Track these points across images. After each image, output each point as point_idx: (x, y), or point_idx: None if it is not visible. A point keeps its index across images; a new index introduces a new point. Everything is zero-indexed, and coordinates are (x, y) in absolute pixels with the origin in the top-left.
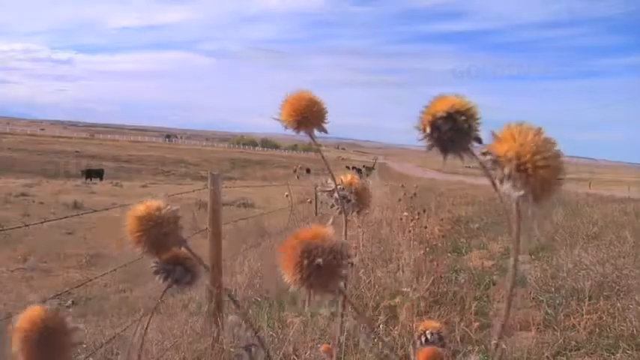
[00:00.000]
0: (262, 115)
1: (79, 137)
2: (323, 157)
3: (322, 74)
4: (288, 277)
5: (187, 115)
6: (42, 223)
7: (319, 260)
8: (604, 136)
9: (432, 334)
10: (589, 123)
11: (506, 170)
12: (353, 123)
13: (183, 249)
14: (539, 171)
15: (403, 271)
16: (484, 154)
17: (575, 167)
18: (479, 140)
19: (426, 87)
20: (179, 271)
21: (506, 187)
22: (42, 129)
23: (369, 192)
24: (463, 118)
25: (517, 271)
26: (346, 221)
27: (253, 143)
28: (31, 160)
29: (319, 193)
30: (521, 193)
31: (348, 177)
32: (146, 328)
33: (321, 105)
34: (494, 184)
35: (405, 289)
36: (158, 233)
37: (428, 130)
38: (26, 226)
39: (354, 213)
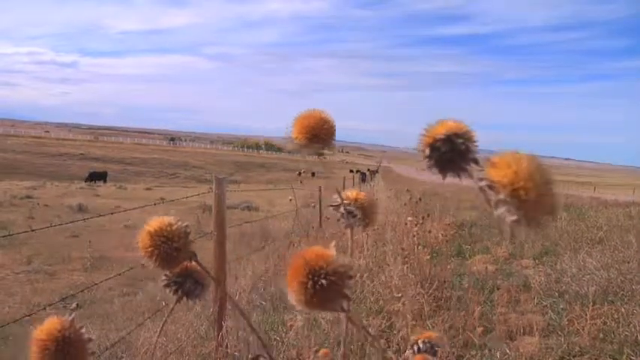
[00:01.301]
0: (266, 118)
1: (84, 140)
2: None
3: (325, 77)
4: (293, 297)
5: (191, 118)
6: (48, 227)
7: (323, 282)
8: (608, 140)
9: (423, 343)
10: (593, 126)
11: (501, 196)
12: (357, 126)
13: (193, 262)
14: (531, 197)
15: (403, 275)
16: (480, 179)
17: (579, 171)
18: (476, 161)
19: (429, 90)
20: (190, 283)
21: (500, 211)
22: (46, 131)
23: (375, 207)
24: (461, 140)
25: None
26: (352, 235)
27: (257, 146)
28: (35, 163)
29: (327, 207)
30: (515, 217)
31: (353, 192)
32: (158, 335)
33: (331, 122)
34: (490, 206)
35: (401, 295)
36: (169, 248)
37: (428, 151)
38: (33, 230)
39: (360, 227)
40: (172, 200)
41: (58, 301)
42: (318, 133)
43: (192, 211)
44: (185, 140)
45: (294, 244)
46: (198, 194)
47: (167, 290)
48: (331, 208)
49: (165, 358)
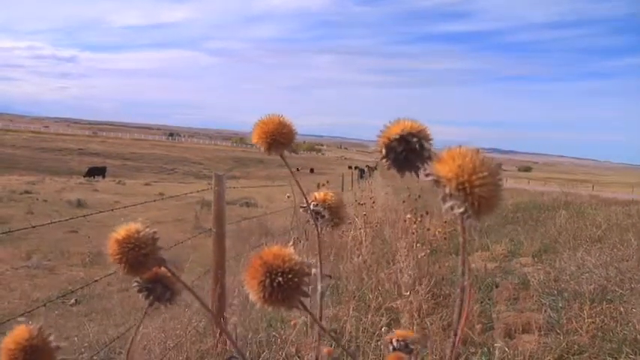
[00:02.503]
0: (265, 114)
1: (83, 135)
2: (293, 174)
3: (326, 73)
4: (253, 294)
5: (191, 114)
6: (49, 224)
7: (279, 279)
8: (608, 138)
9: (397, 341)
10: (593, 124)
11: (447, 190)
12: (356, 122)
13: (163, 268)
14: (476, 189)
15: (402, 273)
16: (427, 174)
17: (578, 168)
18: (430, 159)
19: (429, 87)
20: (159, 288)
21: (448, 204)
22: (45, 126)
23: (344, 208)
24: (415, 139)
25: (466, 278)
26: (319, 235)
27: None
28: (34, 158)
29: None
30: (462, 210)
31: (322, 194)
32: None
33: (290, 127)
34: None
35: (406, 294)
36: (137, 255)
37: (384, 151)
38: (33, 227)
39: (329, 228)
40: (172, 196)
41: (57, 298)
42: (278, 138)
43: (190, 206)
44: (184, 136)
45: (299, 240)
46: (198, 191)
47: (140, 295)
48: (301, 209)
49: (164, 354)
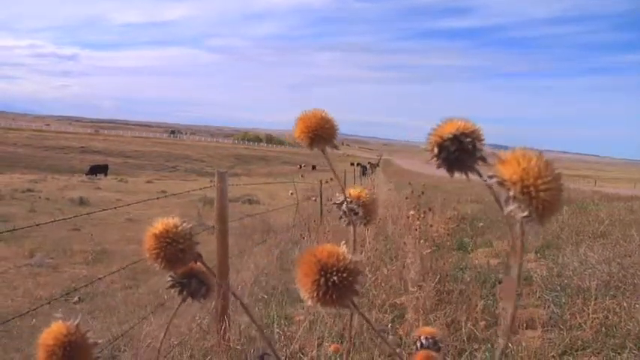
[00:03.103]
0: (266, 111)
1: (84, 133)
2: (332, 168)
3: (327, 70)
4: (305, 293)
5: (192, 111)
6: (52, 222)
7: (334, 278)
8: (609, 133)
9: (426, 338)
10: (594, 120)
11: (511, 192)
12: (358, 119)
13: (198, 263)
14: (541, 193)
15: (409, 270)
16: (490, 176)
17: (580, 164)
18: (483, 159)
19: (430, 83)
20: (194, 283)
21: (511, 207)
22: (47, 125)
23: (376, 205)
24: (468, 139)
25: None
26: (355, 233)
27: (258, 139)
28: (36, 156)
29: (331, 204)
30: (525, 213)
31: (356, 190)
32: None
33: (332, 122)
34: (499, 203)
35: (412, 289)
36: (174, 250)
37: (436, 150)
38: (37, 225)
39: (362, 225)
40: (174, 194)
41: (61, 296)
42: (320, 133)
43: (193, 204)
44: (186, 133)
45: (303, 238)
46: (201, 188)
47: (172, 291)
48: (334, 205)
49: (168, 351)
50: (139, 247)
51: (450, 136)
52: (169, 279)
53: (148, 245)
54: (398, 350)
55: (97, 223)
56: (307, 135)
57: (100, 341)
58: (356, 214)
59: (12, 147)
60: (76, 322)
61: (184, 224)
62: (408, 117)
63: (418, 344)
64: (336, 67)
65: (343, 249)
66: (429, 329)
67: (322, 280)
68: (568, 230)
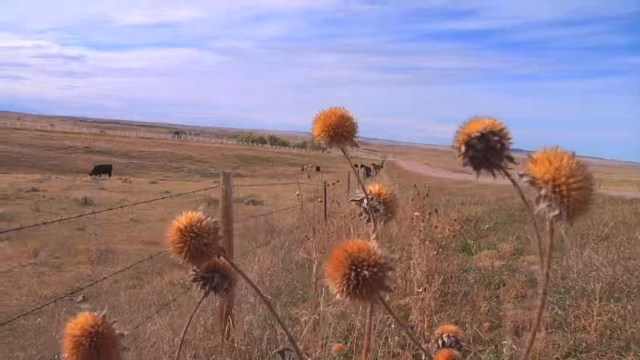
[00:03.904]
0: (271, 112)
1: (89, 133)
2: (352, 166)
3: (331, 72)
4: (335, 287)
5: (196, 112)
6: (58, 221)
7: (365, 273)
8: (614, 136)
9: (448, 337)
10: (599, 123)
11: (543, 191)
12: (362, 121)
13: (221, 258)
14: (572, 192)
15: (415, 271)
16: (521, 175)
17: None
18: (510, 159)
19: (434, 85)
20: (217, 278)
21: (542, 206)
22: (52, 125)
23: (396, 202)
24: (496, 138)
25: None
26: (375, 230)
27: (262, 140)
28: (40, 156)
29: (350, 202)
30: (557, 212)
31: (376, 187)
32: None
33: (352, 120)
34: (525, 202)
35: (418, 290)
36: (199, 244)
37: (463, 148)
38: (44, 223)
39: (382, 222)
40: (179, 194)
41: (65, 295)
42: (341, 131)
43: (197, 204)
44: (190, 134)
45: (308, 238)
46: (205, 189)
47: (195, 285)
48: (353, 202)
49: (172, 351)
50: (143, 247)
51: (478, 134)
52: (192, 273)
53: (172, 239)
54: (424, 347)
55: (101, 223)
56: (327, 133)
57: (126, 332)
58: (377, 210)
59: (17, 147)
60: (102, 314)
61: (209, 219)
62: (412, 118)
63: (440, 342)
64: (340, 69)
65: (374, 244)
66: (451, 327)
67: (353, 274)
68: (572, 233)
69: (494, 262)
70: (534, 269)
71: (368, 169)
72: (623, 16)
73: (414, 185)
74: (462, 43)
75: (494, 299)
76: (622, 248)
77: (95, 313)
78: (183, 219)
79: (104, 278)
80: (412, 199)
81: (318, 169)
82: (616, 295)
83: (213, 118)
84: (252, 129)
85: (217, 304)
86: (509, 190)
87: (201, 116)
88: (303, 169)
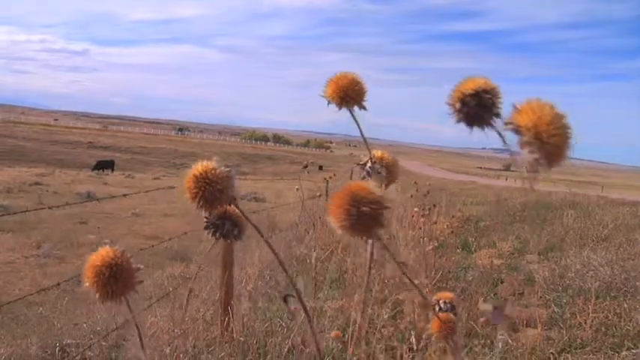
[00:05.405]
0: (274, 111)
1: (93, 128)
2: (362, 135)
3: (335, 71)
4: (336, 222)
5: (200, 109)
6: (64, 206)
7: (365, 208)
8: (617, 140)
9: (444, 302)
10: (602, 126)
11: (525, 138)
12: (365, 121)
13: (232, 206)
14: (552, 139)
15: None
16: (507, 123)
17: (587, 171)
18: (499, 116)
19: (437, 87)
20: (228, 225)
21: (524, 151)
22: (56, 119)
23: (398, 167)
24: (488, 96)
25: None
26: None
27: (265, 138)
28: (44, 150)
29: (355, 168)
30: (536, 156)
31: (379, 152)
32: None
33: (362, 84)
34: (510, 152)
35: (415, 281)
36: (213, 190)
37: (458, 105)
38: (49, 208)
39: (384, 185)
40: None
41: (66, 286)
42: (351, 93)
43: None
44: (193, 131)
45: (308, 232)
46: None
47: (206, 232)
48: (357, 165)
49: (171, 341)
50: (145, 241)
51: (471, 92)
52: (205, 220)
53: (188, 185)
54: (427, 301)
55: (104, 217)
56: (338, 94)
57: (141, 267)
58: (379, 173)
59: (21, 141)
60: (122, 249)
61: (222, 167)
62: (414, 119)
63: (437, 307)
64: (344, 68)
65: (371, 184)
66: (447, 294)
67: (354, 209)
68: (572, 233)
69: (493, 260)
70: (533, 268)
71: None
72: (629, 19)
73: (415, 182)
74: (466, 45)
75: (492, 296)
76: (621, 249)
77: (115, 247)
78: (199, 166)
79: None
80: (411, 195)
81: (320, 167)
82: (613, 294)
83: (216, 115)
84: (255, 127)
85: (217, 296)
86: (510, 191)
87: (204, 113)
88: (305, 167)
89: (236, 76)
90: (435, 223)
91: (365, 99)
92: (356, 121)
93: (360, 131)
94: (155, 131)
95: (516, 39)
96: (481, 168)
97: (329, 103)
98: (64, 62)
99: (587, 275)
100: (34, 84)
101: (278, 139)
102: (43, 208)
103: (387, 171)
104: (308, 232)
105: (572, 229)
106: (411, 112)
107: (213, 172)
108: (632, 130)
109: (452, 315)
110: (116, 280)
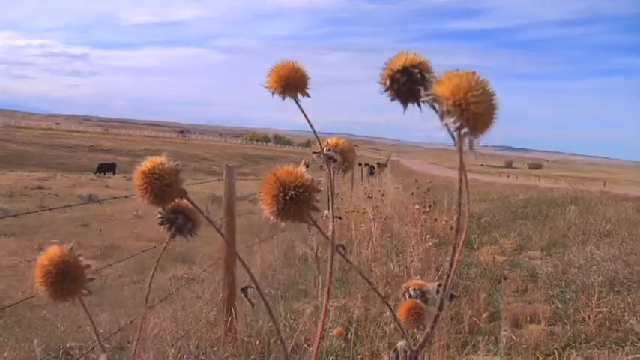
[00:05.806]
0: (275, 112)
1: (94, 132)
2: (310, 123)
3: (337, 71)
4: (267, 209)
5: (201, 111)
6: (65, 208)
7: (292, 193)
8: (620, 136)
9: (414, 290)
10: (605, 122)
11: (444, 107)
12: (367, 120)
13: (185, 200)
14: (471, 106)
15: (412, 258)
16: (427, 94)
17: (590, 167)
18: (426, 87)
19: None
20: (181, 219)
21: (446, 121)
22: (57, 123)
23: (354, 152)
24: (417, 70)
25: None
26: (333, 180)
27: (266, 139)
28: (45, 154)
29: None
30: (458, 124)
31: (333, 139)
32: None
33: (303, 71)
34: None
35: (415, 277)
36: (161, 185)
37: (388, 83)
38: (50, 209)
39: (340, 173)
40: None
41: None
42: (292, 82)
43: (201, 202)
44: (194, 133)
45: (309, 231)
46: (209, 181)
47: (162, 228)
48: (314, 154)
49: (174, 342)
50: (147, 243)
51: (400, 68)
52: (159, 216)
53: (137, 183)
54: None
55: (106, 219)
56: (279, 84)
57: (91, 263)
58: (335, 160)
59: (22, 145)
60: (70, 245)
61: (170, 162)
62: (416, 118)
63: (407, 295)
64: (346, 68)
65: (302, 169)
66: (418, 281)
67: (280, 195)
68: (574, 229)
69: (495, 257)
70: (536, 264)
71: (372, 168)
72: (629, 16)
73: (416, 180)
74: (467, 43)
75: (495, 292)
76: (624, 244)
77: (64, 245)
78: (147, 163)
79: (109, 265)
80: (412, 193)
81: (321, 167)
82: (616, 289)
83: (217, 117)
84: (256, 128)
85: (220, 296)
86: (512, 189)
87: (205, 115)
88: (307, 167)
89: (237, 76)
90: (436, 220)
91: (308, 86)
92: (302, 110)
93: (307, 120)
94: (156, 134)
95: (517, 36)
96: (483, 165)
97: (273, 93)
98: (64, 66)
99: (590, 270)
100: (34, 88)
101: (279, 139)
102: (44, 210)
103: (343, 157)
104: (309, 231)
105: (575, 225)
106: (412, 112)
107: (160, 167)
108: (635, 126)
109: (419, 301)
110: (64, 278)
